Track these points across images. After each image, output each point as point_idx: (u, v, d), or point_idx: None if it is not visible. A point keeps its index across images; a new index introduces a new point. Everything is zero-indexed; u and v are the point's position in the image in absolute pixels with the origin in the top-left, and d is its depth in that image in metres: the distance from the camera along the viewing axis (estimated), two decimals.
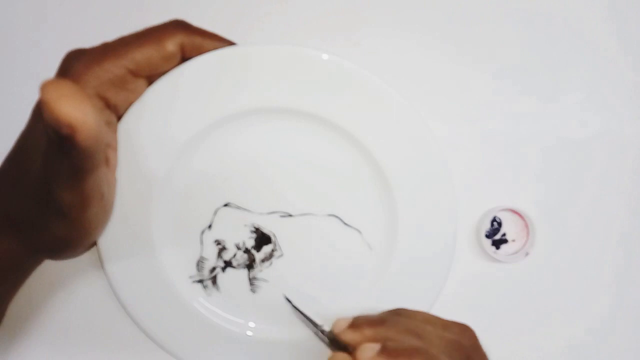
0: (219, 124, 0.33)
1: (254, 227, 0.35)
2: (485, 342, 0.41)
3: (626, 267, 0.42)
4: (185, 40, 0.30)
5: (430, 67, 0.41)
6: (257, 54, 0.32)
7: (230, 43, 0.32)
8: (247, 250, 0.35)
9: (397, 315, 0.33)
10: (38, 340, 0.40)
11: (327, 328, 0.34)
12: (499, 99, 0.41)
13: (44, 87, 0.21)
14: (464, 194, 0.38)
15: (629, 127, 0.42)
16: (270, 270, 0.36)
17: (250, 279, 0.36)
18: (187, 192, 0.34)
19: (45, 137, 0.25)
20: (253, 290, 0.36)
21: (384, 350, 0.27)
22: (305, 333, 0.36)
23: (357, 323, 0.31)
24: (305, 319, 0.35)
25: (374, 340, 0.29)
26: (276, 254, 0.36)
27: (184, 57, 0.31)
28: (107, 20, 0.41)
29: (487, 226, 0.41)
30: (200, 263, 0.36)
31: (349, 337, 0.31)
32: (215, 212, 0.35)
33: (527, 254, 0.40)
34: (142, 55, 0.29)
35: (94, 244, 0.33)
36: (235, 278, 0.36)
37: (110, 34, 0.29)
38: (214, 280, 0.36)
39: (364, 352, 0.28)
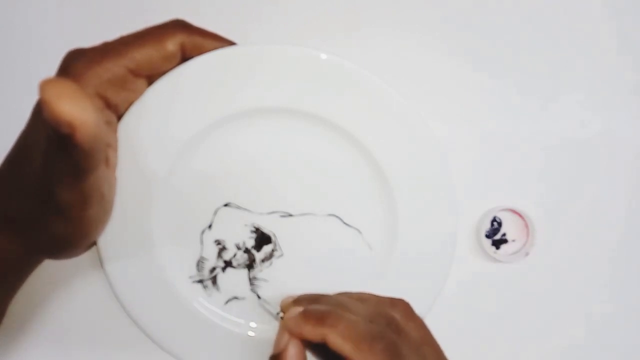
0: (219, 124, 0.33)
1: (254, 227, 0.35)
2: (486, 342, 0.41)
3: (626, 267, 0.42)
4: (186, 40, 0.30)
5: (430, 67, 0.41)
6: (257, 54, 0.32)
7: (230, 43, 0.32)
8: (247, 250, 0.35)
9: (336, 294, 0.35)
10: (38, 340, 0.40)
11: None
12: (499, 99, 0.42)
13: (44, 85, 0.21)
14: (464, 194, 0.38)
15: (629, 127, 0.42)
16: (271, 270, 0.36)
17: (250, 279, 0.36)
18: (187, 192, 0.34)
19: (45, 136, 0.25)
20: (253, 290, 0.36)
21: (303, 312, 0.31)
22: None
23: (299, 299, 0.34)
24: (266, 310, 0.36)
25: None
26: (276, 253, 0.36)
27: (184, 57, 0.31)
28: (107, 20, 0.41)
29: (487, 226, 0.41)
30: (200, 263, 0.36)
31: (289, 308, 0.34)
32: (215, 212, 0.35)
33: (527, 254, 0.40)
34: (142, 55, 0.29)
35: (94, 243, 0.33)
36: (235, 278, 0.36)
37: (110, 34, 0.29)
38: (214, 280, 0.36)
39: (289, 313, 0.31)
